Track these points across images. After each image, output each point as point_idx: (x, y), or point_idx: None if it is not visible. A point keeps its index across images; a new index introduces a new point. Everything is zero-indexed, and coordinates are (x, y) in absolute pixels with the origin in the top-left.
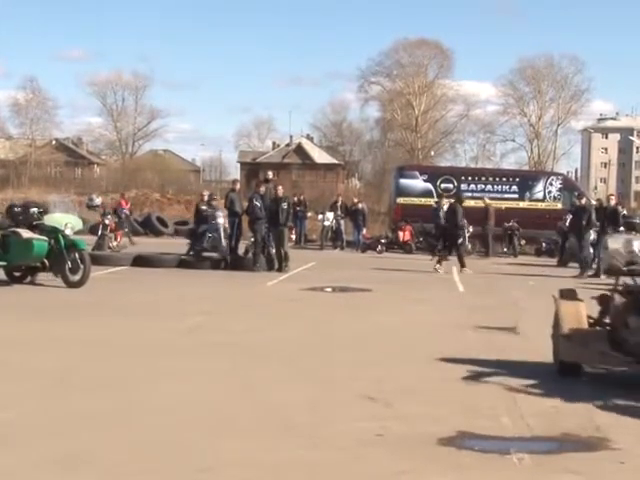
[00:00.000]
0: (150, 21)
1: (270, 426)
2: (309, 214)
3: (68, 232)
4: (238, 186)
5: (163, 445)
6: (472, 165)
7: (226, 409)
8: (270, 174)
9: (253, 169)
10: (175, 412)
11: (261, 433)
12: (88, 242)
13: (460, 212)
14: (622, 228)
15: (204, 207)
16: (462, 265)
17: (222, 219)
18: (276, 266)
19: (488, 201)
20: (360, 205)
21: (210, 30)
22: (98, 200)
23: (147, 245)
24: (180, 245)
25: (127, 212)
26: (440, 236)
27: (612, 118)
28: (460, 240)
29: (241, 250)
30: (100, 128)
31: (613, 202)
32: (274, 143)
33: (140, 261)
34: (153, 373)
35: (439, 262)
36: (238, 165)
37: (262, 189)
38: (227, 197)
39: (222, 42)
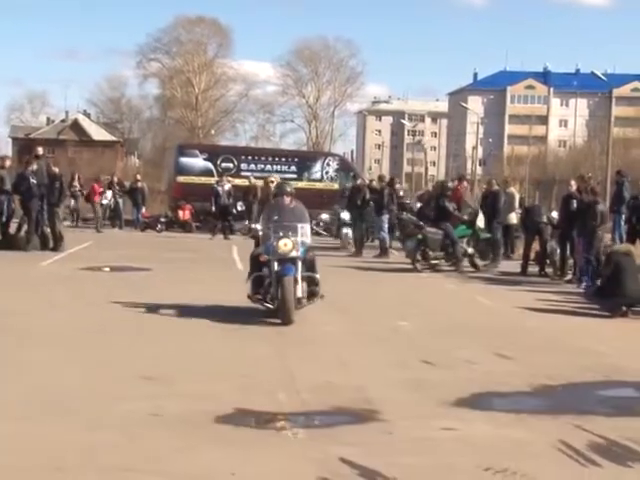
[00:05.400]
0: None
1: (43, 410)
2: (85, 192)
3: None
4: (8, 163)
5: None
6: (252, 145)
7: None
8: (40, 150)
9: (26, 145)
10: None
11: (34, 417)
12: None
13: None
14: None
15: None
16: None
17: None
18: (51, 245)
19: (253, 180)
20: (139, 184)
21: None
22: None
23: None
24: None
25: None
26: (220, 215)
27: (385, 101)
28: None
29: (13, 229)
30: None
31: (384, 183)
32: (49, 119)
33: None
34: None
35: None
36: (10, 141)
37: (34, 166)
38: None
39: None
